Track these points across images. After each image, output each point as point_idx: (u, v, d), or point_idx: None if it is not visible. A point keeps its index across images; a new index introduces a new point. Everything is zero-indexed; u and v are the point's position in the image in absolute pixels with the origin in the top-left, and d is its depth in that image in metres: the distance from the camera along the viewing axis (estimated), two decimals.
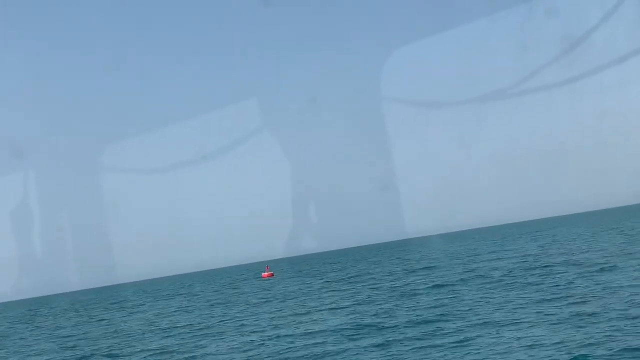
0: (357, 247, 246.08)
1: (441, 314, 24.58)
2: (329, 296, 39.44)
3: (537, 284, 29.27)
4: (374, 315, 27.15)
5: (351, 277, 56.63)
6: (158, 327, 36.07)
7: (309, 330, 25.55)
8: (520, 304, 24.14)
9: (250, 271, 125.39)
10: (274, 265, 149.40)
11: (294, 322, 28.77)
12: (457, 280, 36.49)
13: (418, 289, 35.16)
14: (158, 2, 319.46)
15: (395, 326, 23.54)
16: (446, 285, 35.07)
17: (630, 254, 36.85)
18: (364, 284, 45.35)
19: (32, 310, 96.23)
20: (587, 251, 44.35)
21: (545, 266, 37.05)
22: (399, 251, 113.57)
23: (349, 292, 40.31)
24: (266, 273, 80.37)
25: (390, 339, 21.32)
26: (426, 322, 23.51)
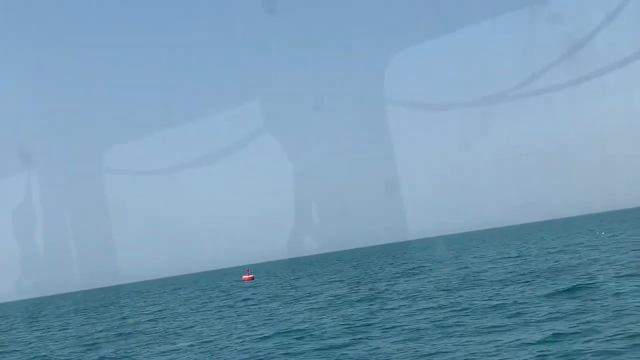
0: (361, 248, 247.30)
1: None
2: (277, 304, 41.07)
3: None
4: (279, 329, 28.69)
5: (322, 283, 58.26)
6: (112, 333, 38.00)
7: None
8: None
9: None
10: (271, 266, 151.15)
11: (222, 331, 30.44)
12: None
13: (351, 299, 36.59)
14: (163, 6, 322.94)
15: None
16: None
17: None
18: (321, 293, 46.83)
19: (27, 312, 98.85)
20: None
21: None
22: (396, 254, 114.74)
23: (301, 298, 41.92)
24: (247, 276, 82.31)
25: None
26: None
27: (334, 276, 65.28)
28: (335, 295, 39.92)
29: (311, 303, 37.15)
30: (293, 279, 70.73)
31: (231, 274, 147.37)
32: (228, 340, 26.47)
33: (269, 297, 48.01)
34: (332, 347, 21.87)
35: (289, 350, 22.27)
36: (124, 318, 48.93)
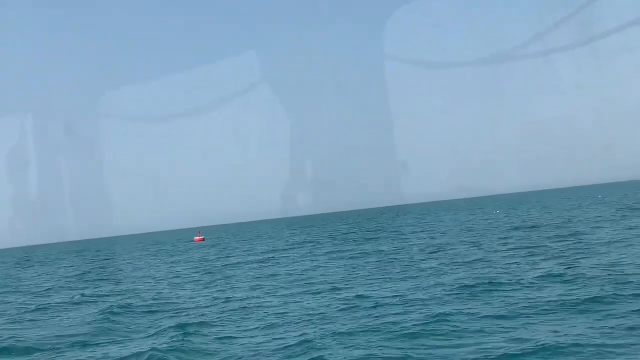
0: (358, 210, 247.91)
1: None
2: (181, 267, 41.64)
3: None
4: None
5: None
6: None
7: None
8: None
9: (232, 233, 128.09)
10: (264, 225, 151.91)
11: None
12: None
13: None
14: None
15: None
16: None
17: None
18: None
19: None
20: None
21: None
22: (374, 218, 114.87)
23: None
24: (197, 237, 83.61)
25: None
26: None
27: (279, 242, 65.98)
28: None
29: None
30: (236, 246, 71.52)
31: (213, 233, 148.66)
32: None
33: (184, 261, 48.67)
34: None
35: None
36: None
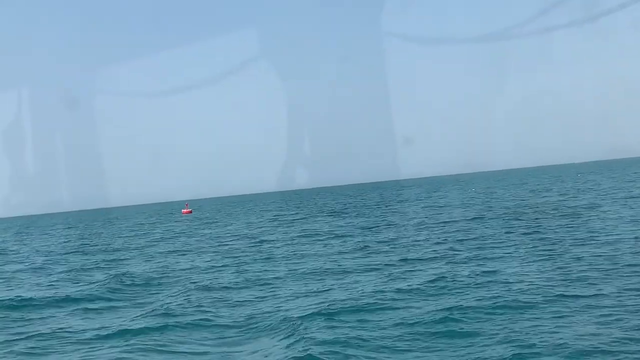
0: (354, 184, 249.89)
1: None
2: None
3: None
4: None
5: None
6: None
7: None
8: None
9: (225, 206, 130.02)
10: (259, 198, 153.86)
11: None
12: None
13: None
14: None
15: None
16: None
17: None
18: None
19: None
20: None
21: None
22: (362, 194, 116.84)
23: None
24: (185, 210, 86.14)
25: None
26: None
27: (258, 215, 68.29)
28: None
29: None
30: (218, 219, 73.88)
31: (211, 205, 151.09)
32: None
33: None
34: None
35: None
36: None
